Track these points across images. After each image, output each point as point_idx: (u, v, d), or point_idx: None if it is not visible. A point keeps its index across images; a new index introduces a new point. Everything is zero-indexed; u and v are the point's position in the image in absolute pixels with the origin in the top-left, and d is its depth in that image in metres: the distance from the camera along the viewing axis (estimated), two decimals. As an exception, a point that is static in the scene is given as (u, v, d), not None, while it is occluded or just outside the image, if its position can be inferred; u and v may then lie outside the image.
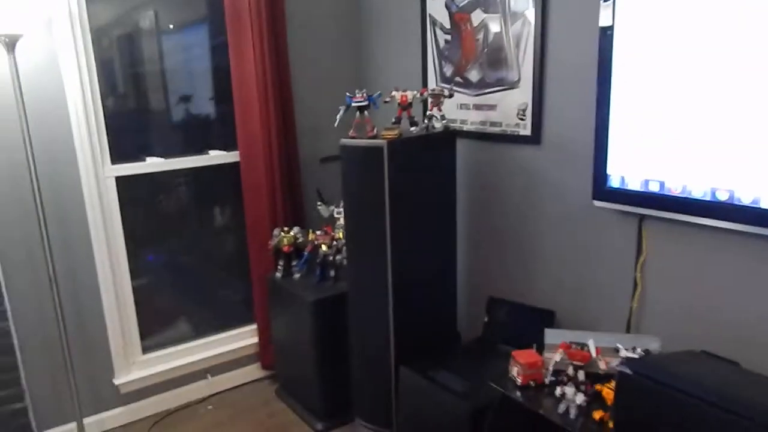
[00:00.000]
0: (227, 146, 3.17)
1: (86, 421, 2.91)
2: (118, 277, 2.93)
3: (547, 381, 1.89)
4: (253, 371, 3.38)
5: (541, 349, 1.97)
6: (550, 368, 1.88)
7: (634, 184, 2.05)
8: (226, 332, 3.34)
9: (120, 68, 2.87)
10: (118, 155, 2.86)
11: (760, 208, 1.72)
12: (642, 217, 2.12)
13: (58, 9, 2.55)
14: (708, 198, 1.84)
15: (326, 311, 2.77)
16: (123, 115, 2.91)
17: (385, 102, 2.45)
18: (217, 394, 3.28)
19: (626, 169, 2.06)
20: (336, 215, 2.99)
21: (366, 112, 2.40)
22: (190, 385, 3.21)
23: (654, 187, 1.99)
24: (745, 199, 1.76)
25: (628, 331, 2.20)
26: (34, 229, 2.65)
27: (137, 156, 2.94)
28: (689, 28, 1.79)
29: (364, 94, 2.40)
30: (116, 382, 2.97)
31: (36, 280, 2.69)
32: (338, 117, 2.46)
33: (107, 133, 2.80)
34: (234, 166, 3.16)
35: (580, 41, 2.21)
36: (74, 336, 2.83)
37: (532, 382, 1.89)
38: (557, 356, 1.86)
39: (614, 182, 2.11)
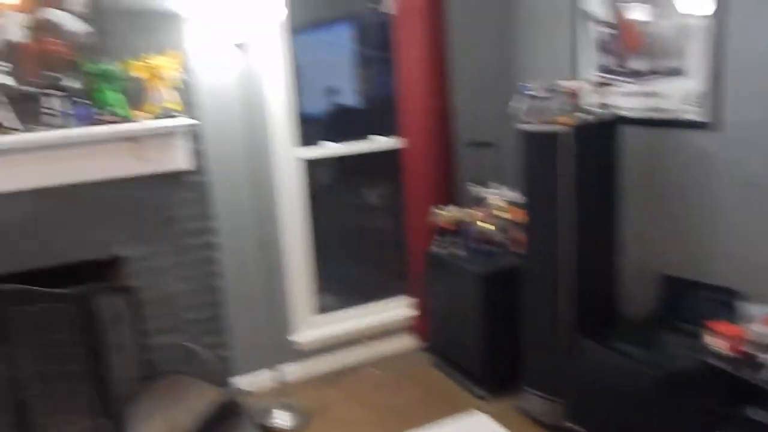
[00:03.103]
0: (388, 133, 3.48)
1: (265, 373, 3.27)
2: (299, 245, 3.29)
3: (748, 351, 2.06)
4: (408, 341, 3.65)
5: (734, 322, 2.14)
6: (754, 339, 2.05)
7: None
8: (385, 302, 3.64)
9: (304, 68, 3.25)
10: (302, 141, 3.26)
11: None
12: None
13: (274, 20, 2.96)
14: None
15: (493, 285, 3.01)
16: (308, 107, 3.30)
17: (553, 91, 2.65)
18: (377, 359, 3.56)
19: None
20: (491, 196, 3.20)
21: (541, 101, 2.62)
22: (353, 349, 3.52)
23: None
24: None
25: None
26: (240, 201, 3.07)
27: (317, 142, 3.33)
28: None
29: (540, 85, 2.62)
30: (293, 339, 3.32)
31: (239, 246, 3.11)
32: (517, 106, 2.72)
33: (296, 123, 3.20)
34: (393, 150, 3.48)
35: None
36: (263, 294, 3.18)
37: (733, 353, 2.07)
38: (763, 328, 2.03)
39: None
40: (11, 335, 2.47)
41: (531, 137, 2.63)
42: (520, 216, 2.95)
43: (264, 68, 3.04)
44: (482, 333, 3.04)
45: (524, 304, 2.82)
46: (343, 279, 3.62)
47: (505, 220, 3.17)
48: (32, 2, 2.46)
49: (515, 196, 3.12)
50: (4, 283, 2.43)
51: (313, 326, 3.40)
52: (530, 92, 2.65)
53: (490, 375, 3.11)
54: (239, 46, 2.78)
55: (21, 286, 2.44)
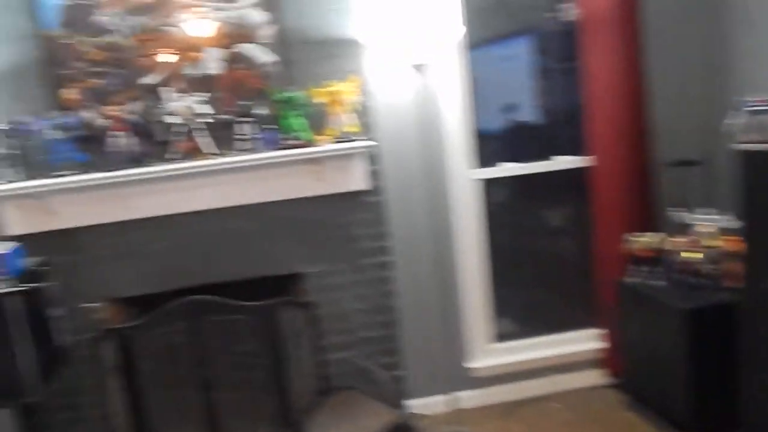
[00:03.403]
0: (573, 151, 3.22)
1: (439, 398, 3.18)
2: (476, 267, 3.17)
3: None
4: (596, 376, 3.34)
5: None
6: None
7: None
8: (569, 333, 3.37)
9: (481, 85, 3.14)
10: (479, 160, 3.16)
11: None
12: None
13: (451, 39, 2.91)
14: None
15: (702, 322, 2.63)
16: (485, 125, 3.19)
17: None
18: (560, 393, 3.30)
19: None
20: (698, 222, 2.81)
21: (765, 116, 2.24)
22: (534, 380, 3.30)
23: None
24: None
25: None
26: (416, 222, 3.06)
27: (494, 161, 3.19)
28: None
29: (762, 98, 2.25)
30: (469, 365, 3.21)
31: (415, 267, 3.09)
32: (732, 122, 2.35)
33: (473, 142, 3.11)
34: (577, 170, 3.21)
35: None
36: (438, 317, 3.13)
37: None
38: None
39: None
40: (204, 342, 2.70)
41: (752, 157, 2.28)
42: (735, 245, 2.59)
43: (440, 87, 3.00)
44: (689, 375, 2.69)
45: (743, 346, 2.43)
46: (523, 305, 3.43)
47: (716, 249, 2.76)
48: (227, 38, 2.69)
49: (728, 222, 2.71)
50: (199, 294, 2.66)
51: (491, 354, 3.26)
52: (750, 106, 2.28)
53: (698, 423, 2.72)
54: (416, 67, 2.78)
55: (214, 297, 2.66)
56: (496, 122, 3.27)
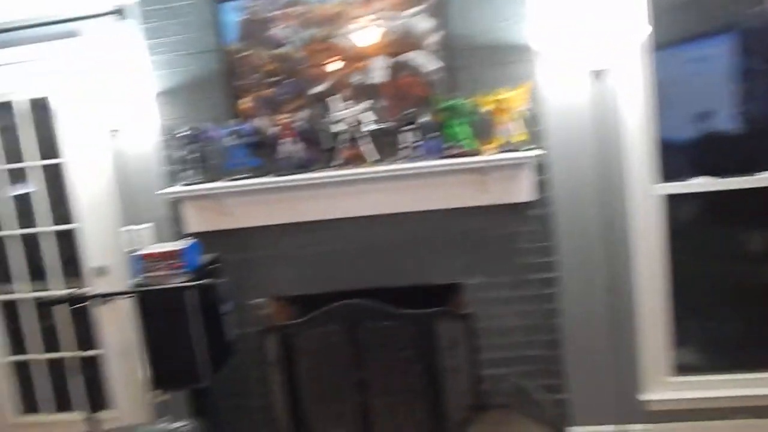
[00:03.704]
0: None
1: (608, 429, 2.94)
2: (655, 292, 2.87)
3: None
4: (799, 426, 2.85)
5: None
6: None
7: None
8: (761, 373, 2.92)
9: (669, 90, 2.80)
10: (664, 174, 2.84)
11: None
12: None
13: (635, 41, 2.65)
14: None
15: None
16: (672, 134, 2.85)
17: None
18: (755, 439, 2.87)
19: None
20: None
21: None
22: (720, 421, 2.92)
23: None
24: None
25: None
26: (587, 238, 2.84)
27: (682, 175, 2.84)
28: None
29: None
30: (643, 397, 2.91)
31: (583, 286, 2.87)
32: None
33: (657, 154, 2.81)
34: None
35: None
36: (608, 342, 2.89)
37: None
38: None
39: None
40: (361, 345, 2.74)
41: None
42: None
43: (621, 93, 2.73)
44: None
45: None
46: (711, 337, 3.01)
47: None
48: (392, 46, 2.67)
49: None
50: (357, 298, 2.69)
51: (669, 387, 2.93)
52: None
53: None
54: (594, 71, 2.56)
55: (374, 302, 2.67)
56: (686, 131, 2.87)
